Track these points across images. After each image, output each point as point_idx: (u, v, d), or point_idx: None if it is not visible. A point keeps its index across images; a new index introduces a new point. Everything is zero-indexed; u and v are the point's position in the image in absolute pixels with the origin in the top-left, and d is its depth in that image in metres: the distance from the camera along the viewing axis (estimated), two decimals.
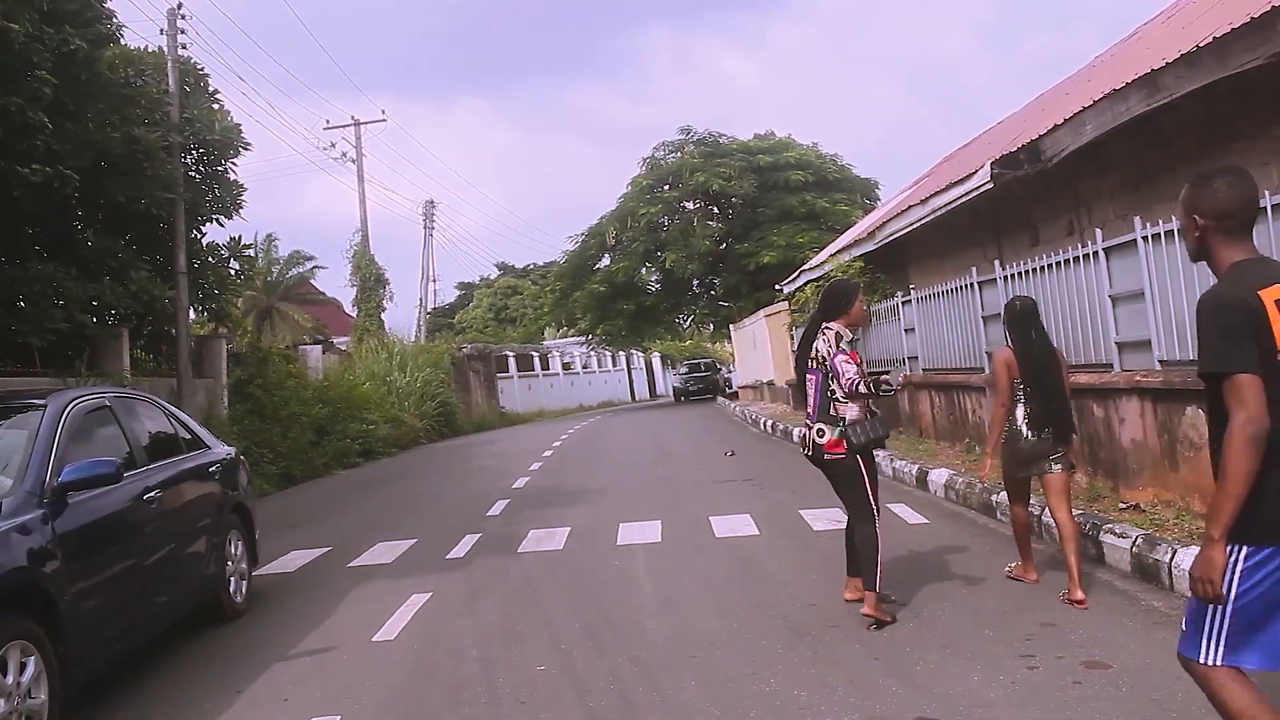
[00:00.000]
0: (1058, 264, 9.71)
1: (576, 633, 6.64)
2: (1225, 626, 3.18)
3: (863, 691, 5.05)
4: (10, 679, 4.81)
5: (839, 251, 20.47)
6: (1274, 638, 3.16)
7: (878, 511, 6.52)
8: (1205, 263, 3.38)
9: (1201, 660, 3.24)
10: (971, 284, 12.24)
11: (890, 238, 15.99)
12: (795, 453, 10.37)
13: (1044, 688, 4.88)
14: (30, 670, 4.96)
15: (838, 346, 6.44)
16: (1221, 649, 3.19)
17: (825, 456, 6.45)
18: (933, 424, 14.49)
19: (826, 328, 6.56)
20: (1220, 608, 3.16)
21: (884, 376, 6.69)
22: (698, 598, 7.33)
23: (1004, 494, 7.52)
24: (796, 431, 7.41)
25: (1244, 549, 3.14)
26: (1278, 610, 3.14)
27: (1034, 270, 10.27)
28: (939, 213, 13.24)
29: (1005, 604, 6.42)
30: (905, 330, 15.36)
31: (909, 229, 14.88)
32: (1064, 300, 9.68)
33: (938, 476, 10.86)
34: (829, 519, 9.61)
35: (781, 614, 6.66)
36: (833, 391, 6.39)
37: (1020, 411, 6.69)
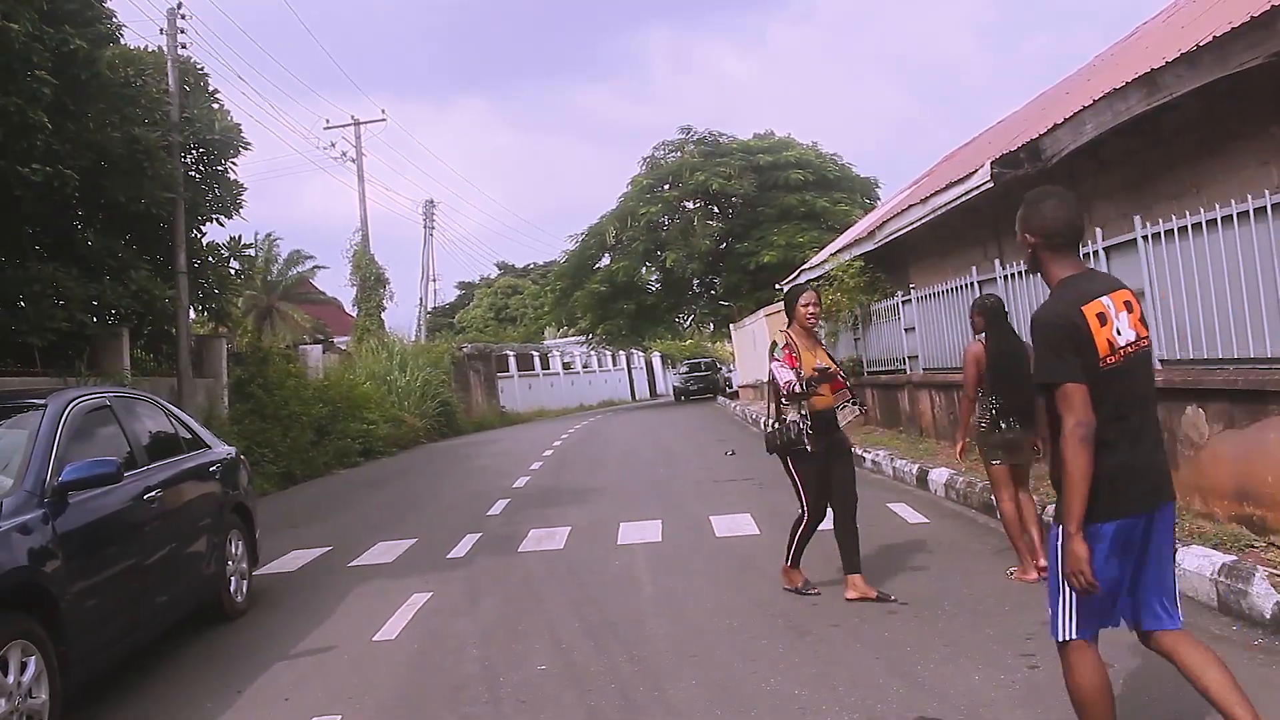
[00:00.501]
0: None
1: (577, 632, 6.64)
2: (1074, 602, 3.62)
3: (863, 690, 5.05)
4: (11, 679, 4.81)
5: (839, 251, 20.48)
6: (1109, 600, 3.64)
7: (806, 510, 7.08)
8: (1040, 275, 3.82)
9: (1062, 638, 3.68)
10: (972, 283, 12.24)
11: (890, 237, 16.00)
12: None
13: (1045, 687, 4.86)
14: (31, 670, 4.97)
15: (771, 355, 7.08)
16: (1073, 623, 3.64)
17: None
18: (933, 423, 14.51)
19: (778, 335, 7.24)
20: (1068, 589, 3.59)
21: (850, 404, 7.20)
22: (698, 597, 7.33)
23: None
24: None
25: (1101, 528, 3.55)
26: (1124, 578, 3.64)
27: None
28: (939, 212, 13.25)
29: (1006, 603, 6.42)
30: (905, 329, 15.38)
31: (909, 228, 14.88)
32: None
33: (938, 476, 10.87)
34: (830, 519, 9.60)
35: (782, 613, 6.67)
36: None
37: (992, 407, 7.13)
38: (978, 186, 11.39)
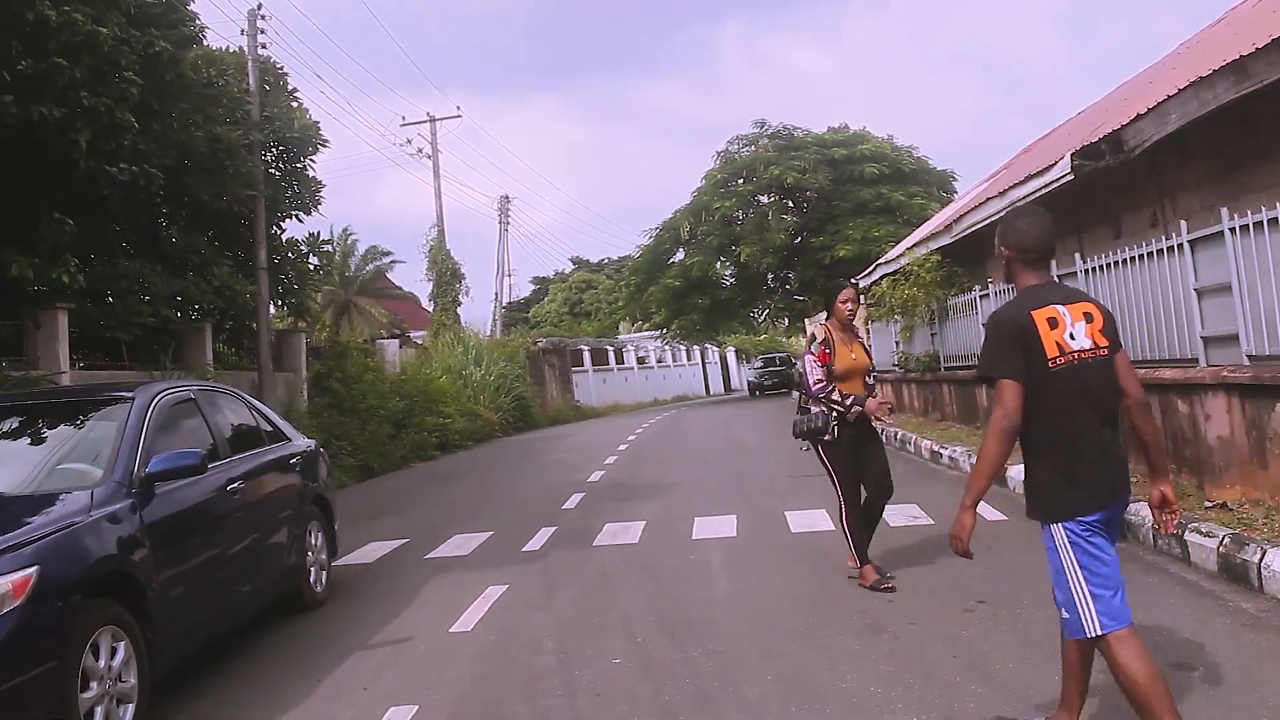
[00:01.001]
0: (1141, 256, 9.49)
1: (652, 626, 6.64)
2: (1091, 594, 3.88)
3: (940, 689, 4.98)
4: (102, 663, 4.94)
5: (915, 245, 20.26)
6: (1120, 585, 3.94)
7: (841, 497, 7.39)
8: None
9: (1095, 634, 3.86)
10: (1051, 278, 12.01)
11: (967, 231, 15.78)
12: None
13: None
14: (121, 655, 5.10)
15: (808, 347, 7.45)
16: (1099, 616, 3.86)
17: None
18: None
19: (817, 329, 7.61)
20: (1085, 579, 3.89)
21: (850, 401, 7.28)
22: (773, 592, 7.30)
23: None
24: None
25: (1067, 525, 3.94)
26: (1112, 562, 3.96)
27: (1116, 263, 10.06)
28: (1017, 205, 13.04)
29: None
30: (983, 325, 15.15)
31: (986, 222, 14.66)
32: (1147, 294, 9.47)
33: (1016, 473, 10.65)
34: (906, 515, 9.53)
35: (858, 609, 6.61)
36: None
37: None
38: (1058, 179, 11.19)
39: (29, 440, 6.49)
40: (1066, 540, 3.94)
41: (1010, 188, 13.21)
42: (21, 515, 5.20)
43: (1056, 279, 4.29)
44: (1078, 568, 3.91)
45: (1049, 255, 4.18)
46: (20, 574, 4.59)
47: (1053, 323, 3.95)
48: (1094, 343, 3.98)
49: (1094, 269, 10.59)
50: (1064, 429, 3.94)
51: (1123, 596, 3.92)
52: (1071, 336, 3.95)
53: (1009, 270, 4.23)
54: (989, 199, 14.39)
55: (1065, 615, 3.98)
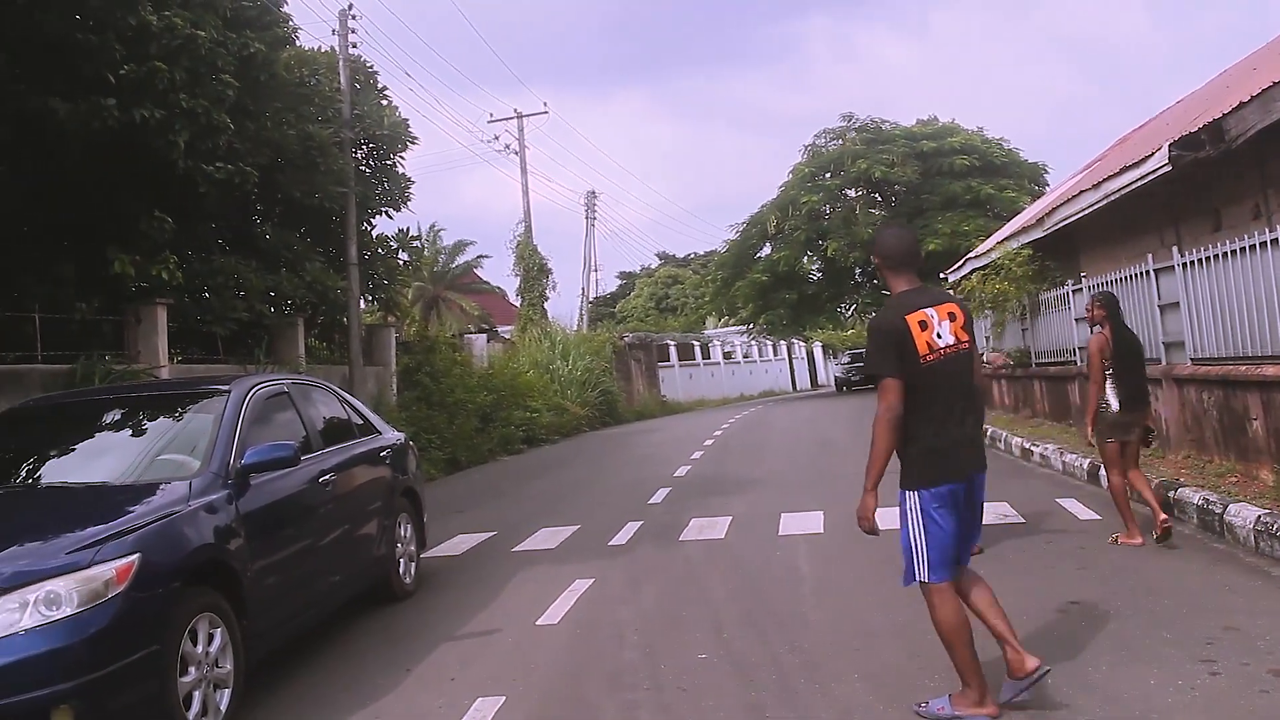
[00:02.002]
0: (1242, 249, 9.23)
1: (738, 622, 6.62)
2: (929, 555, 4.66)
3: (1031, 690, 4.89)
4: (200, 648, 5.07)
5: (1006, 239, 19.90)
6: (953, 550, 4.68)
7: None
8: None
9: (924, 581, 4.68)
10: (1147, 271, 11.73)
11: (1060, 224, 15.47)
12: None
13: (1227, 695, 4.64)
14: (217, 641, 5.23)
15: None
16: (930, 570, 4.65)
17: None
18: None
19: None
20: (925, 542, 4.65)
21: None
22: (861, 590, 7.23)
23: (1182, 490, 8.53)
24: None
25: (922, 493, 4.64)
26: (957, 532, 4.67)
27: (1216, 256, 9.79)
28: (1112, 198, 12.72)
29: (1183, 606, 6.13)
30: (1076, 320, 14.79)
31: (1080, 215, 14.35)
32: (1248, 287, 9.20)
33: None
34: (995, 513, 9.36)
35: None
36: None
37: (1110, 389, 7.83)
38: (1155, 170, 10.90)
39: (130, 432, 6.67)
40: (919, 506, 4.67)
41: (1105, 180, 12.90)
42: (124, 504, 5.35)
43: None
44: (923, 531, 4.66)
45: (913, 263, 4.83)
46: (124, 560, 4.72)
47: (923, 324, 4.60)
48: (957, 339, 4.65)
49: (1192, 263, 10.31)
50: (934, 414, 4.61)
51: (953, 558, 4.69)
52: (939, 335, 4.61)
53: (882, 275, 4.92)
54: (1082, 191, 14.07)
55: (904, 565, 4.80)
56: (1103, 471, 10.35)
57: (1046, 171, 40.99)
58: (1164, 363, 11.24)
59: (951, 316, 4.66)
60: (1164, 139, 11.06)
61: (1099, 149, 23.99)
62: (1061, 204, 15.48)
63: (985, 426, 10.64)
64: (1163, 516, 7.61)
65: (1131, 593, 6.52)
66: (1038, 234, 16.89)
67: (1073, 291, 14.84)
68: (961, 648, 4.65)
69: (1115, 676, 5.01)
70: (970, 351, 4.71)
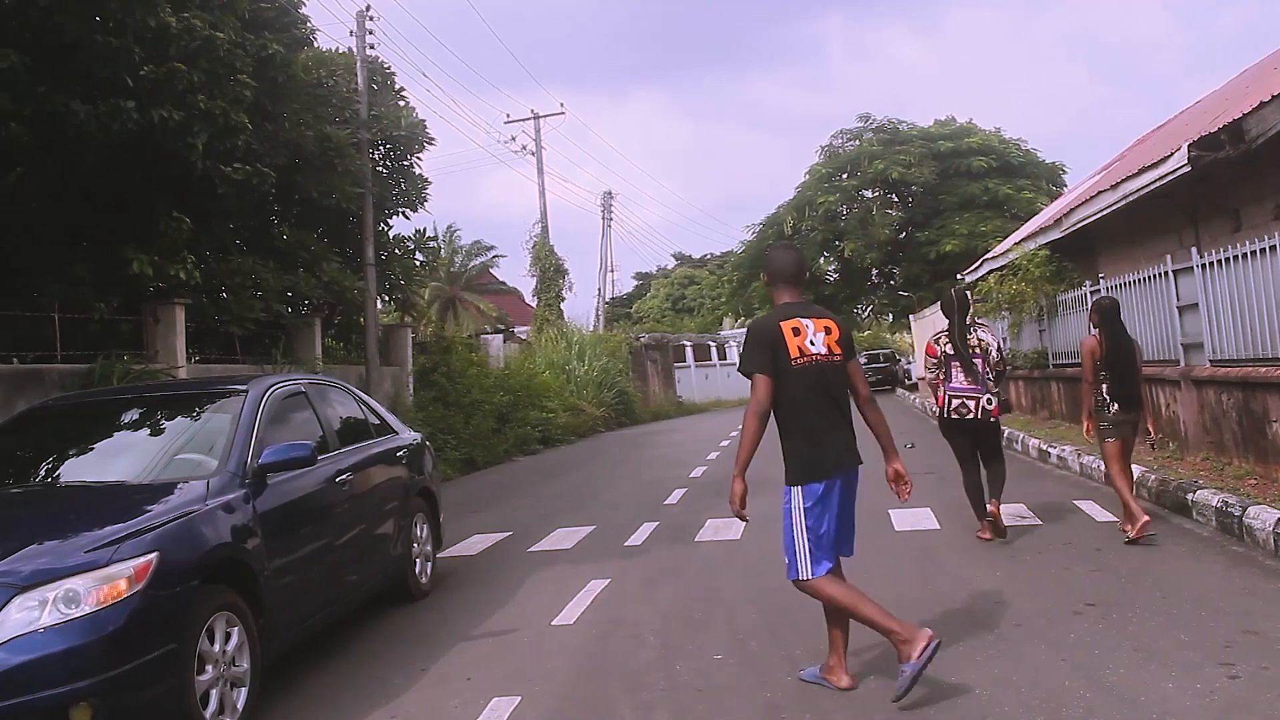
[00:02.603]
0: (1263, 250, 9.18)
1: (754, 623, 6.62)
2: (809, 549, 5.10)
3: (1047, 692, 4.88)
4: (217, 647, 5.09)
5: (1024, 239, 19.85)
6: (832, 543, 5.15)
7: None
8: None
9: (806, 578, 5.12)
10: (1166, 272, 11.68)
11: (1078, 225, 15.42)
12: None
13: (1246, 700, 4.62)
14: (234, 640, 5.25)
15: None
16: (813, 565, 5.09)
17: (991, 419, 8.54)
18: None
19: (980, 323, 8.95)
20: (806, 537, 5.10)
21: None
22: (877, 591, 7.13)
23: (1200, 492, 8.60)
24: (953, 403, 8.52)
25: (802, 489, 5.13)
26: (834, 524, 5.15)
27: (1236, 257, 9.74)
28: (1130, 199, 12.69)
29: (1201, 609, 6.10)
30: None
31: (1098, 216, 14.31)
32: (1269, 288, 9.15)
33: (1135, 474, 10.40)
34: (1012, 514, 9.33)
35: (965, 610, 6.50)
36: (989, 371, 8.51)
37: (1104, 388, 8.27)
38: (1174, 171, 10.87)
39: (148, 431, 6.70)
40: (800, 503, 5.13)
41: (1123, 180, 12.86)
42: (142, 503, 5.38)
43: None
44: (804, 527, 5.12)
45: (797, 280, 5.36)
46: (142, 559, 4.75)
47: (796, 331, 5.11)
48: (829, 350, 5.17)
49: (1212, 264, 10.27)
50: (805, 414, 5.12)
51: (832, 553, 5.16)
52: (811, 343, 5.12)
53: (770, 290, 5.43)
54: (1101, 192, 14.02)
55: (786, 560, 5.21)
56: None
57: (1064, 172, 40.97)
58: (1182, 364, 11.19)
59: (828, 330, 5.20)
60: (1183, 139, 11.03)
61: (1117, 149, 23.90)
62: (1080, 205, 15.44)
63: (1003, 429, 10.73)
64: (1140, 522, 7.92)
65: (1149, 595, 6.49)
66: (1056, 235, 16.85)
67: (1091, 293, 14.77)
68: (866, 607, 5.06)
69: (1132, 679, 4.99)
70: (843, 363, 5.24)
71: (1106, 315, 8.41)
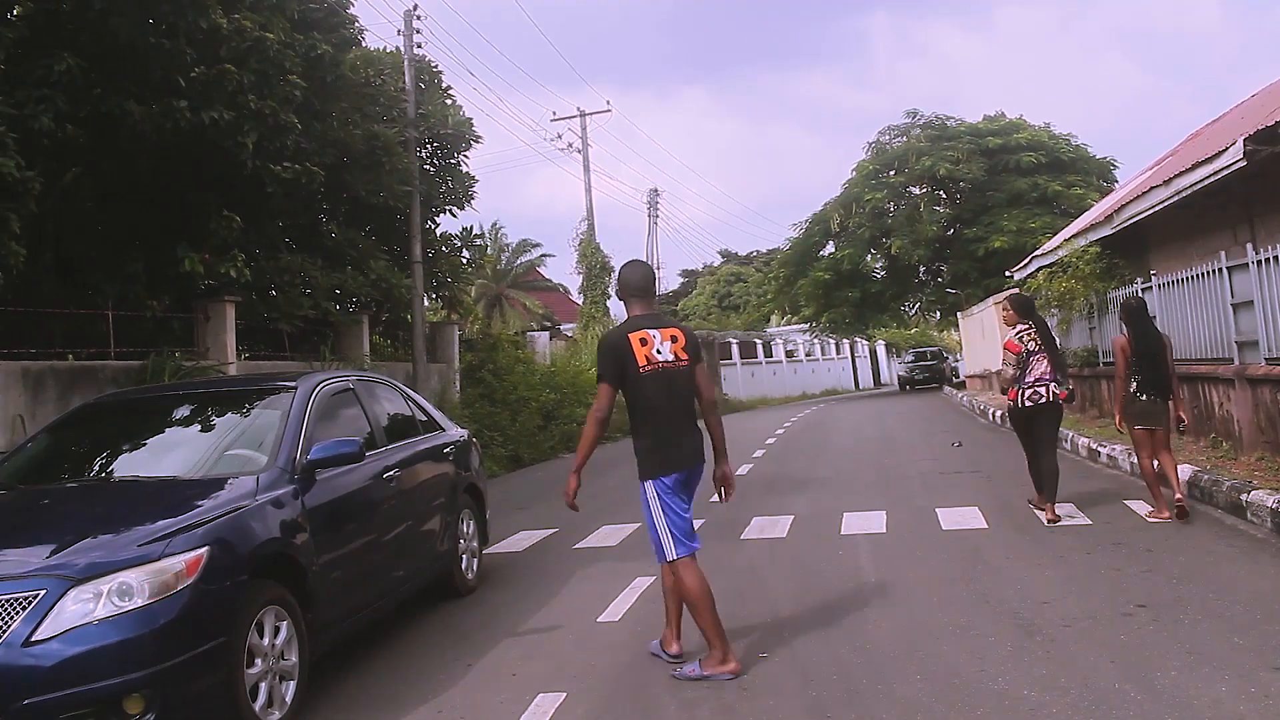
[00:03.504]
0: None
1: (799, 621, 6.60)
2: (672, 533, 5.66)
3: (1097, 695, 4.82)
4: (266, 641, 5.16)
5: (1074, 236, 19.60)
6: (691, 527, 5.78)
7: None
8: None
9: (671, 559, 5.68)
10: (1220, 269, 11.49)
11: (1129, 221, 15.21)
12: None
13: None
14: (283, 634, 5.31)
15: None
16: (675, 546, 5.65)
17: (1059, 401, 9.37)
18: (1175, 418, 13.67)
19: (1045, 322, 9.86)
20: (668, 523, 5.68)
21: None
22: (923, 590, 7.17)
23: (1255, 493, 8.50)
24: (1027, 392, 9.39)
25: (655, 483, 5.69)
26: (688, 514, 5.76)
27: None
28: (1184, 194, 12.49)
29: (1256, 611, 6.00)
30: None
31: (1150, 212, 14.10)
32: None
33: (1181, 473, 10.23)
34: (1061, 514, 9.24)
35: (1011, 610, 6.44)
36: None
37: (1135, 383, 9.00)
38: (1228, 165, 10.69)
39: (200, 427, 6.80)
40: (656, 494, 5.69)
41: (1176, 175, 12.66)
42: (194, 498, 5.46)
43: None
44: (662, 515, 5.68)
45: (646, 292, 5.92)
46: (193, 554, 4.82)
47: (644, 341, 5.67)
48: (676, 357, 5.72)
49: (1267, 260, 10.10)
50: (653, 416, 5.70)
51: (691, 536, 5.74)
52: (658, 351, 5.68)
53: (624, 303, 5.95)
54: (1153, 188, 13.81)
55: (654, 547, 5.74)
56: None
57: (1115, 167, 40.32)
58: (1237, 362, 11.02)
59: (674, 339, 5.77)
60: (1238, 133, 10.84)
61: (1170, 144, 23.56)
62: (1131, 200, 15.23)
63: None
64: (1178, 496, 8.76)
65: (1202, 596, 6.40)
66: (1106, 231, 16.63)
67: (1142, 290, 14.57)
68: (706, 612, 5.60)
69: (1184, 681, 4.92)
70: (689, 368, 5.77)
71: (1134, 313, 9.16)
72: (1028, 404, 9.37)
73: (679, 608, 5.88)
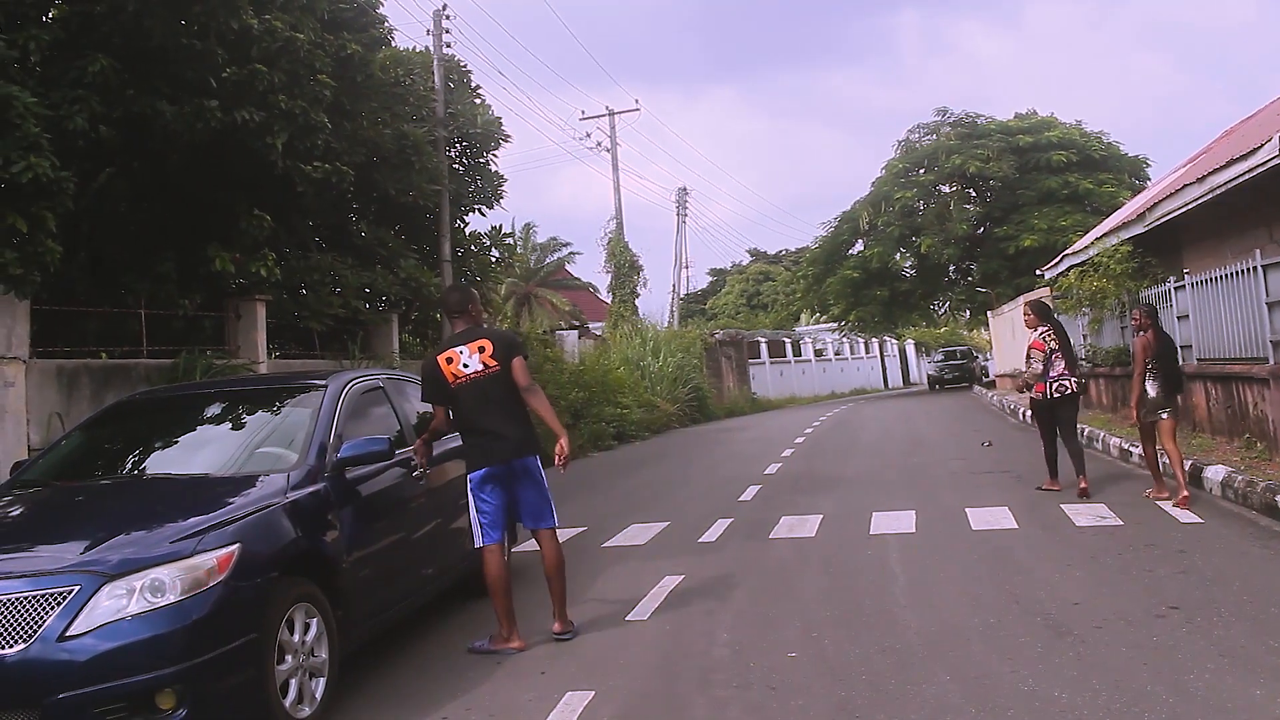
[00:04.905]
0: None
1: (828, 621, 6.58)
2: (480, 522, 6.44)
3: (1129, 697, 4.78)
4: (296, 637, 5.19)
5: (1105, 235, 19.45)
6: (499, 519, 6.50)
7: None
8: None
9: (480, 545, 6.44)
10: (1255, 267, 11.37)
11: (1162, 220, 15.08)
12: None
13: None
14: (313, 630, 5.35)
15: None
16: (483, 535, 6.43)
17: (1076, 393, 10.80)
18: (1208, 417, 13.54)
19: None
20: (478, 514, 6.44)
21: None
22: (953, 590, 7.13)
23: None
24: (1053, 385, 10.84)
25: (470, 477, 6.49)
26: (501, 504, 6.51)
27: None
28: (1218, 192, 12.37)
29: None
30: (1178, 317, 14.39)
31: (1183, 210, 13.97)
32: None
33: (1214, 474, 10.16)
34: (1093, 515, 9.20)
35: (1041, 611, 6.40)
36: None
37: (1150, 380, 9.69)
38: (1264, 162, 10.59)
39: (231, 425, 6.83)
40: (470, 489, 6.46)
41: (1210, 173, 12.54)
42: (225, 495, 5.50)
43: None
44: (474, 507, 6.44)
45: (462, 310, 6.67)
46: (224, 550, 4.86)
47: (450, 360, 6.44)
48: (484, 365, 6.42)
49: None
50: (464, 421, 6.51)
51: (497, 527, 6.46)
52: (465, 365, 6.41)
53: (449, 320, 6.79)
54: (1186, 185, 13.69)
55: (471, 535, 6.52)
56: (1208, 474, 10.18)
57: (1148, 165, 40.00)
58: (1271, 362, 10.90)
59: (482, 349, 6.45)
60: (1273, 130, 10.75)
61: (1203, 141, 23.33)
62: (1164, 199, 15.10)
63: (1081, 426, 12.81)
64: (1184, 493, 9.47)
65: (1235, 598, 6.34)
66: (1138, 229, 16.49)
67: (1175, 288, 14.44)
68: (501, 596, 6.39)
69: (1218, 685, 4.88)
70: (502, 371, 6.46)
71: (1155, 318, 10.02)
72: (1055, 395, 10.69)
73: (561, 590, 6.67)
